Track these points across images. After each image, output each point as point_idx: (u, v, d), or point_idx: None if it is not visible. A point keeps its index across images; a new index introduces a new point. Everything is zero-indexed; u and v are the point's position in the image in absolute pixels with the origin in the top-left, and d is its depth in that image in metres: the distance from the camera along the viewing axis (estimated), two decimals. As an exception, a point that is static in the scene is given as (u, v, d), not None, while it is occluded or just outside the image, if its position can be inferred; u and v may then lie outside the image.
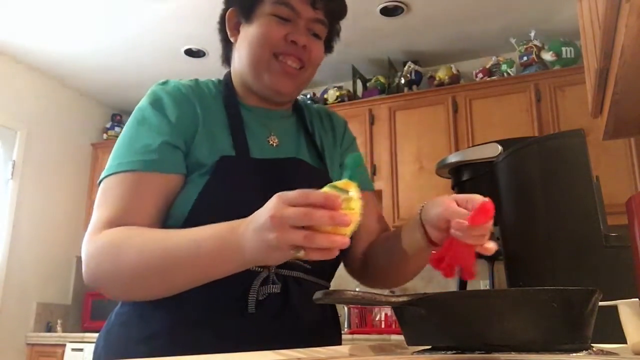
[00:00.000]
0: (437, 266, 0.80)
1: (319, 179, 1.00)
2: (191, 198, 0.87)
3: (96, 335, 0.94)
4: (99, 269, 0.82)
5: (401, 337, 0.62)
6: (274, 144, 0.98)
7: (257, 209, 0.88)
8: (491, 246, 0.77)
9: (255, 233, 0.69)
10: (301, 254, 0.65)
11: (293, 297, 0.89)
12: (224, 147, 0.91)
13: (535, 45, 3.35)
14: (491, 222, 0.77)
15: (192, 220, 0.85)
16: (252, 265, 0.78)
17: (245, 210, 0.88)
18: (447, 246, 0.79)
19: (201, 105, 0.95)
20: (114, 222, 0.84)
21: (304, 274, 0.92)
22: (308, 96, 3.98)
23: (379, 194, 3.35)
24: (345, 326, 3.35)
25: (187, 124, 0.92)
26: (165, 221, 0.88)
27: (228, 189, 0.88)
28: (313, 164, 1.02)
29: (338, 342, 1.00)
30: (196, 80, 1.00)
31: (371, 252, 1.03)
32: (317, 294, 0.56)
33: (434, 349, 0.57)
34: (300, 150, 1.02)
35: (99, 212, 0.87)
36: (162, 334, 0.83)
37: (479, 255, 1.23)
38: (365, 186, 1.08)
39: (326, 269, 0.99)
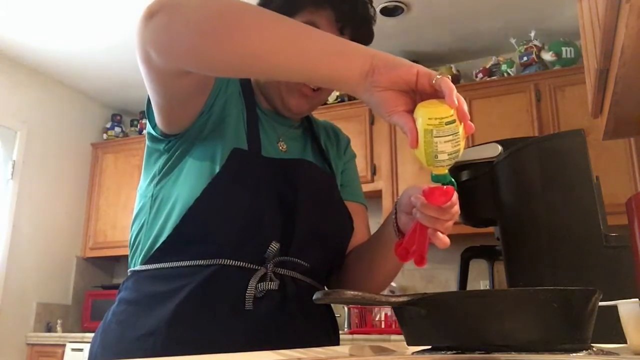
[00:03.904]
0: (395, 250, 0.81)
1: (327, 181, 1.02)
2: (200, 186, 0.87)
3: (96, 335, 0.94)
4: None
5: (401, 337, 0.62)
6: (283, 150, 0.99)
7: (263, 204, 0.89)
8: (444, 240, 0.77)
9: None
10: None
11: (290, 296, 0.89)
12: (238, 139, 0.92)
13: (535, 45, 3.35)
14: (451, 212, 0.78)
15: (198, 209, 0.86)
16: (361, 73, 0.67)
17: (251, 204, 0.89)
18: (410, 232, 0.80)
19: (229, 88, 0.96)
20: None
21: (301, 275, 0.93)
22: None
23: (379, 194, 3.35)
24: (345, 326, 3.35)
25: (217, 88, 0.92)
26: (171, 210, 0.89)
27: (237, 183, 0.88)
28: (321, 168, 1.04)
29: (336, 342, 1.01)
30: None
31: (351, 255, 1.05)
32: (317, 294, 0.56)
33: (434, 349, 0.57)
34: (307, 156, 1.04)
35: None
36: (159, 331, 0.83)
37: (479, 255, 1.24)
38: (358, 199, 1.10)
39: (322, 271, 1.00)
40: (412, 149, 0.65)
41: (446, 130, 0.63)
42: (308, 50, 0.68)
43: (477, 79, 3.51)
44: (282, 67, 0.70)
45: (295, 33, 0.70)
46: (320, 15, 0.94)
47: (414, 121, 0.65)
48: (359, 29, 0.97)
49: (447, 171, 0.69)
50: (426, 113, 0.63)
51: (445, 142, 0.63)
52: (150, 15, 0.71)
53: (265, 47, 0.68)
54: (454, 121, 0.63)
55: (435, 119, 0.63)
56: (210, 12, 0.70)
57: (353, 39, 0.97)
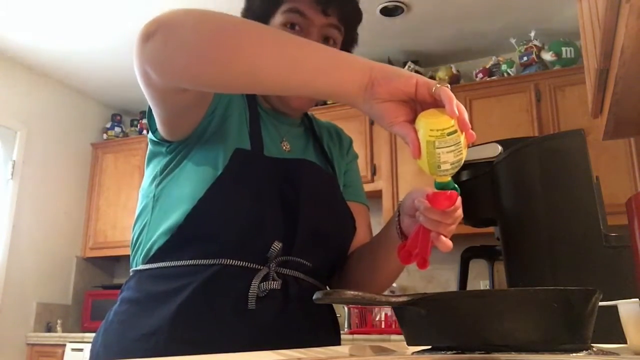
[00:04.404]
0: (398, 253, 0.81)
1: (329, 181, 1.02)
2: (203, 187, 0.87)
3: (96, 335, 0.94)
4: (178, 19, 0.72)
5: (401, 337, 0.62)
6: (286, 149, 0.99)
7: (265, 204, 0.90)
8: (447, 243, 0.77)
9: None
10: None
11: (292, 296, 0.89)
12: (241, 139, 0.92)
13: (535, 45, 3.35)
14: (454, 216, 0.78)
15: (201, 209, 0.86)
16: (358, 85, 0.67)
17: (253, 204, 0.89)
18: (413, 234, 0.80)
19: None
20: None
21: (303, 275, 0.93)
22: (308, 96, 3.98)
23: (379, 194, 3.35)
24: (345, 326, 3.35)
25: (220, 94, 0.93)
26: (174, 210, 0.89)
27: (239, 183, 0.88)
28: (323, 168, 1.04)
29: (337, 342, 1.01)
30: None
31: (353, 256, 1.05)
32: (317, 294, 0.56)
33: (434, 349, 0.57)
34: (309, 156, 1.04)
35: None
36: (161, 331, 0.83)
37: (479, 255, 1.24)
38: (361, 200, 1.11)
39: (324, 271, 1.00)
40: (415, 159, 0.65)
41: (448, 141, 0.63)
42: (305, 65, 0.68)
43: (477, 79, 3.51)
44: (280, 84, 0.70)
45: (291, 48, 0.69)
46: (301, 2, 0.94)
47: (416, 131, 0.65)
48: (342, 7, 0.97)
49: (450, 179, 0.70)
50: (427, 124, 0.63)
51: (447, 152, 0.63)
52: (147, 36, 0.72)
53: (263, 65, 0.68)
54: (455, 131, 0.63)
55: (437, 130, 0.63)
56: (206, 33, 0.70)
57: (340, 20, 0.97)
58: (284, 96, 0.98)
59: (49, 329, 3.90)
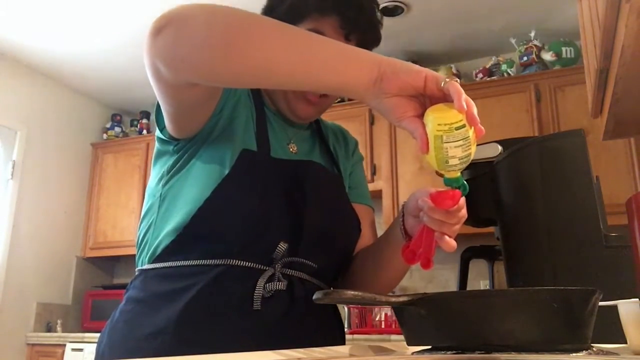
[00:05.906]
0: (402, 253, 0.81)
1: (334, 182, 1.02)
2: (210, 187, 0.87)
3: (96, 335, 0.95)
4: (189, 13, 0.71)
5: (401, 337, 0.62)
6: (293, 151, 1.00)
7: (271, 205, 0.90)
8: (451, 243, 0.77)
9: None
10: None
11: (298, 297, 0.89)
12: (247, 140, 0.92)
13: (535, 45, 3.35)
14: (458, 216, 0.78)
15: (208, 209, 0.86)
16: (369, 81, 0.66)
17: (259, 205, 0.89)
18: (417, 234, 0.80)
19: (238, 91, 0.96)
20: None
21: (309, 276, 0.93)
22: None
23: (379, 194, 3.35)
24: (345, 326, 3.35)
25: (227, 92, 0.93)
26: (180, 210, 0.89)
27: (246, 184, 0.88)
28: (329, 170, 1.04)
29: (342, 343, 1.01)
30: None
31: (358, 257, 1.05)
32: (317, 294, 0.56)
33: (434, 349, 0.57)
34: (315, 158, 1.04)
35: None
36: (166, 331, 0.83)
37: (479, 255, 1.24)
38: (365, 201, 1.11)
39: (329, 272, 1.00)
40: (423, 154, 0.65)
41: (456, 136, 0.62)
42: (315, 60, 0.68)
43: (477, 79, 3.51)
44: (290, 78, 0.70)
45: (301, 43, 0.69)
46: (325, 22, 0.94)
47: (424, 126, 0.64)
48: (364, 34, 0.96)
49: (459, 174, 0.69)
50: (435, 119, 0.63)
51: (455, 147, 0.63)
52: (158, 30, 0.72)
53: (273, 60, 0.68)
54: (463, 126, 0.62)
55: (445, 124, 0.62)
56: (217, 27, 0.70)
57: (359, 45, 0.96)
58: (291, 105, 0.98)
59: (49, 329, 3.90)
